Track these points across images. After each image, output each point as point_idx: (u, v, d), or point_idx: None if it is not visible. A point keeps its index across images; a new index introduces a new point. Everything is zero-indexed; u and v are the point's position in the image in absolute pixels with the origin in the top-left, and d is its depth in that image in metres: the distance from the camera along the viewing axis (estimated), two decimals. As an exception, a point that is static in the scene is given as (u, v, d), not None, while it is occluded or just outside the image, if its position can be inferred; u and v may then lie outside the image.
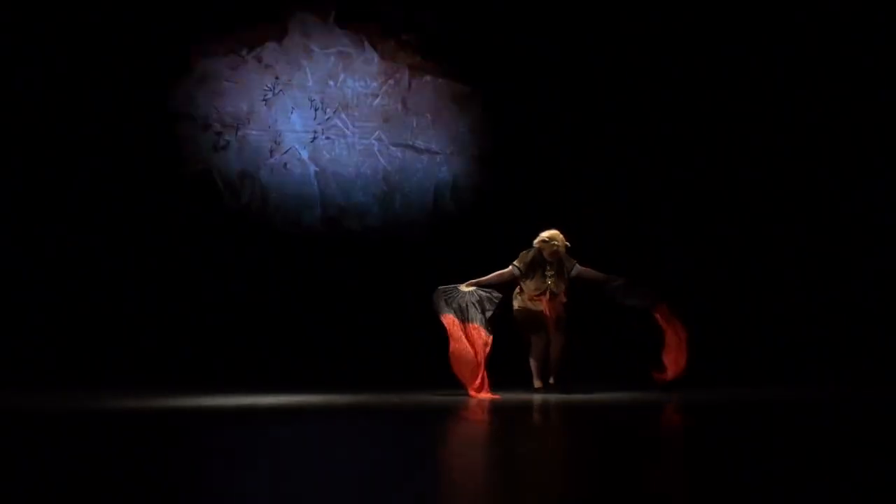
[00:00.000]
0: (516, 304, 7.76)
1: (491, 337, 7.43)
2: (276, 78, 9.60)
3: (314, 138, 9.63)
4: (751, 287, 9.47)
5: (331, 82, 9.68)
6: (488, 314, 7.54)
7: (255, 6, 9.55)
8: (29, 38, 9.07)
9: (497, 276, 7.69)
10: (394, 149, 9.72)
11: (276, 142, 9.57)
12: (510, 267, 7.69)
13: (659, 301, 7.66)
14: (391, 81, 9.74)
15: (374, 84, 9.73)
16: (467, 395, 7.27)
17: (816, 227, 9.41)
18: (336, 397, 7.16)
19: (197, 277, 9.26)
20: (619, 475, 3.75)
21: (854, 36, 9.36)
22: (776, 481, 3.46)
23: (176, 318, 9.09)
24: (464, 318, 7.46)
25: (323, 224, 9.60)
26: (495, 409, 6.68)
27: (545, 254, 7.62)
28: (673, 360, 7.62)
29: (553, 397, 7.25)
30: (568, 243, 7.65)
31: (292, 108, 9.62)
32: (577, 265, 7.72)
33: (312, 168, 9.60)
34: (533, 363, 7.73)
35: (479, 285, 7.63)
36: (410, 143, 9.74)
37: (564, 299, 7.75)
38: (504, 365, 7.72)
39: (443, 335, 7.46)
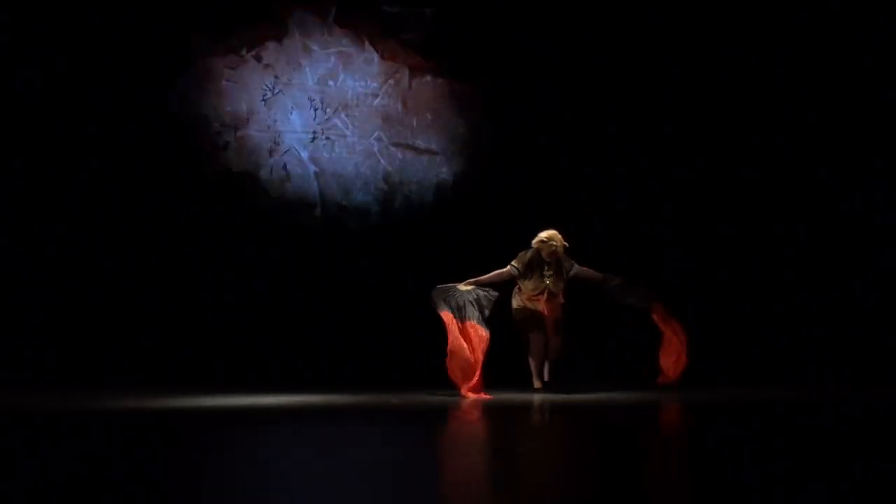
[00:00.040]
0: (515, 304, 7.79)
1: (489, 334, 7.42)
2: (276, 78, 9.59)
3: (314, 138, 9.62)
4: (751, 287, 9.46)
5: (330, 82, 9.67)
6: (486, 312, 7.55)
7: (254, 6, 9.53)
8: (29, 39, 9.07)
9: (495, 275, 7.71)
10: (394, 149, 9.71)
11: (275, 142, 9.56)
12: (508, 267, 7.71)
13: (655, 301, 7.67)
14: (391, 81, 9.73)
15: (374, 84, 9.72)
16: (460, 395, 7.27)
17: (816, 227, 9.40)
18: (336, 397, 7.16)
19: (197, 277, 9.25)
20: (619, 475, 3.75)
21: (854, 36, 9.35)
22: (776, 481, 3.46)
23: (176, 318, 9.08)
24: (461, 317, 7.47)
25: (323, 224, 9.59)
26: (495, 409, 6.68)
27: (543, 254, 7.64)
28: (673, 361, 7.62)
29: (552, 397, 7.25)
30: (566, 243, 7.67)
31: (292, 108, 9.61)
32: (576, 265, 7.75)
33: (312, 168, 9.60)
34: (532, 363, 7.74)
35: (477, 284, 7.65)
36: (410, 143, 9.73)
37: (562, 300, 7.78)
38: (503, 365, 7.73)
39: (442, 333, 7.46)
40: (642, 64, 9.59)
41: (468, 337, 7.40)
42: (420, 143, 9.73)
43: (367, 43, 9.70)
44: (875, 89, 9.35)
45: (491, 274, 7.72)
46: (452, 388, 7.35)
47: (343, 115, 9.66)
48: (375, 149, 9.68)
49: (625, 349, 8.45)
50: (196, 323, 9.09)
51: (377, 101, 9.71)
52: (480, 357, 7.35)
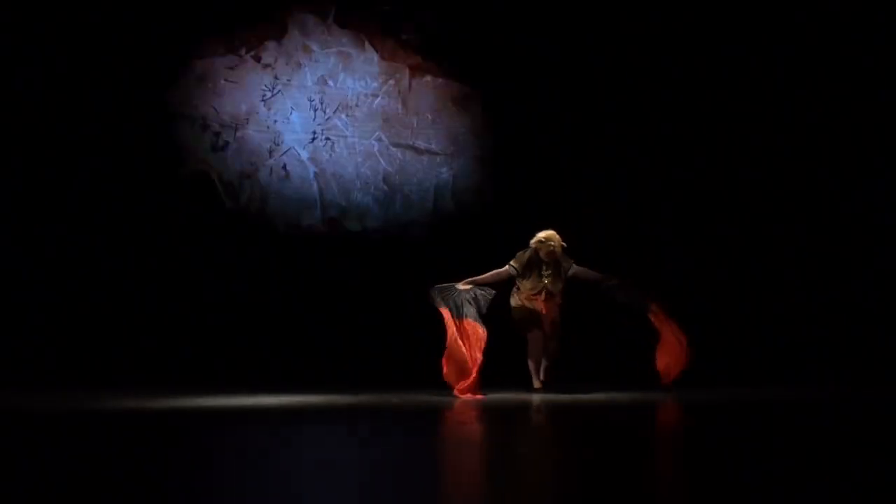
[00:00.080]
0: (513, 303, 7.83)
1: (486, 332, 7.45)
2: (276, 78, 9.59)
3: (314, 139, 9.62)
4: (751, 287, 9.46)
5: (330, 82, 9.67)
6: (483, 310, 7.58)
7: (254, 5, 9.54)
8: (29, 39, 9.07)
9: (494, 275, 7.75)
10: (394, 149, 9.71)
11: (275, 142, 9.56)
12: (507, 266, 7.75)
13: (653, 301, 7.68)
14: (391, 81, 9.73)
15: (374, 84, 9.72)
16: (454, 394, 7.30)
17: (816, 227, 9.41)
18: (336, 397, 7.16)
19: (197, 277, 9.25)
20: (618, 475, 3.75)
21: (854, 36, 9.35)
22: (776, 481, 3.46)
23: (176, 318, 9.08)
24: (459, 315, 7.50)
25: (323, 225, 9.58)
26: (495, 409, 6.69)
27: (542, 254, 7.68)
28: (669, 362, 7.62)
29: (552, 397, 7.25)
30: (564, 244, 7.69)
31: (292, 108, 9.61)
32: (574, 265, 7.79)
33: (312, 169, 9.59)
34: (531, 363, 7.76)
35: (475, 284, 7.69)
36: (410, 143, 9.73)
37: (560, 300, 7.80)
38: (502, 365, 7.76)
39: (442, 332, 7.50)
40: (642, 64, 9.59)
41: (465, 335, 7.44)
42: (420, 143, 9.73)
43: (366, 43, 9.70)
44: (875, 89, 9.35)
45: (489, 273, 7.75)
46: (448, 387, 7.37)
47: (343, 116, 9.66)
48: (375, 149, 9.68)
49: (623, 349, 8.45)
50: (196, 323, 9.09)
51: (377, 101, 9.71)
52: (479, 356, 7.37)
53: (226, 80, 9.52)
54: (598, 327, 8.67)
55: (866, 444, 4.51)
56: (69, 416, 6.05)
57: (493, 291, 7.71)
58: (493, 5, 9.63)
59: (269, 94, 9.56)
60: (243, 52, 9.54)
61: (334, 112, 9.65)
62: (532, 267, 7.72)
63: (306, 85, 9.63)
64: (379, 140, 9.68)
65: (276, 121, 9.57)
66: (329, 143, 9.62)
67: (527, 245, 7.76)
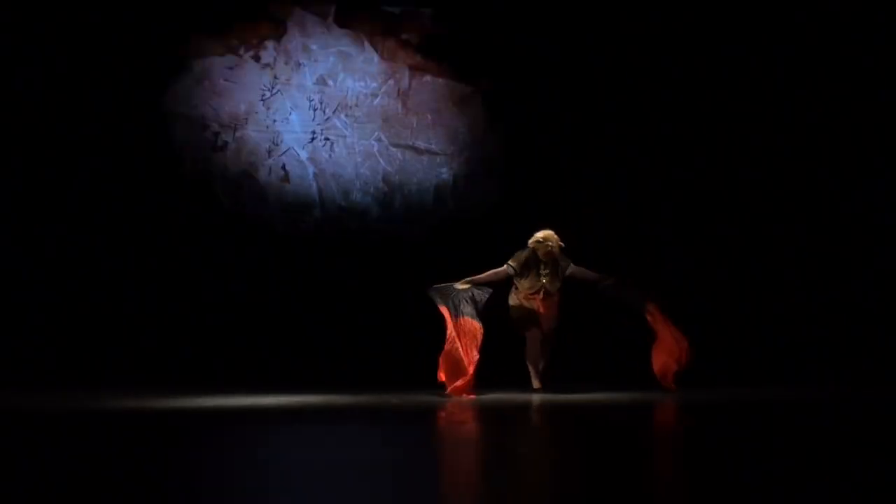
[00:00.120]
0: (511, 302, 7.87)
1: (483, 327, 7.51)
2: (275, 77, 9.58)
3: (313, 139, 9.61)
4: (751, 287, 9.46)
5: (330, 82, 9.66)
6: (481, 308, 7.63)
7: (253, 5, 9.53)
8: (28, 39, 9.07)
9: (492, 274, 7.79)
10: (394, 149, 9.70)
11: (274, 142, 9.55)
12: (505, 266, 7.79)
13: (649, 301, 7.69)
14: (391, 81, 9.72)
15: (374, 84, 9.71)
16: (446, 392, 7.34)
17: (816, 227, 9.40)
18: (336, 397, 7.16)
19: (196, 277, 9.25)
20: (618, 475, 3.75)
21: (854, 36, 9.35)
22: (776, 481, 3.46)
23: (176, 318, 9.08)
24: (456, 314, 7.56)
25: (322, 225, 9.57)
26: (494, 409, 6.69)
27: (539, 254, 7.72)
28: (670, 362, 7.61)
29: (551, 397, 7.26)
30: (562, 243, 7.72)
31: (291, 108, 9.60)
32: (572, 265, 7.83)
33: (311, 169, 9.58)
34: (530, 363, 7.79)
35: (473, 283, 7.74)
36: (410, 143, 9.72)
37: (558, 299, 7.82)
38: (500, 365, 7.80)
39: (441, 332, 7.54)
40: (642, 64, 9.59)
41: (463, 333, 7.49)
42: (420, 143, 9.72)
43: (366, 43, 9.69)
44: (875, 89, 9.35)
45: (488, 273, 7.79)
46: (443, 386, 7.42)
47: (342, 116, 9.65)
48: (375, 149, 9.67)
49: (622, 349, 8.45)
50: (196, 323, 9.09)
51: (377, 101, 9.70)
52: (475, 355, 7.41)
53: (225, 79, 9.50)
54: (596, 327, 8.67)
55: (866, 444, 4.51)
56: (69, 416, 6.05)
57: (490, 290, 7.75)
58: (493, 5, 9.63)
59: (268, 94, 9.56)
60: (242, 51, 9.53)
61: (334, 112, 9.64)
62: (530, 266, 7.76)
63: (306, 85, 9.62)
64: (378, 140, 9.68)
65: (275, 121, 9.56)
66: (328, 143, 9.62)
67: (526, 245, 7.78)
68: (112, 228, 9.14)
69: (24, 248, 9.00)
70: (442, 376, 7.45)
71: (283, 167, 9.54)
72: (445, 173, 9.72)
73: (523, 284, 7.78)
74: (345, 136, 9.64)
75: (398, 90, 9.72)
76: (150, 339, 9.00)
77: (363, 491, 3.38)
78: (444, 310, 7.57)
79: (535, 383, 7.75)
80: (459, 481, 3.71)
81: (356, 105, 9.68)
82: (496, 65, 9.59)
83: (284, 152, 9.54)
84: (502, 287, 7.88)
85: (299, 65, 9.61)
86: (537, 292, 7.75)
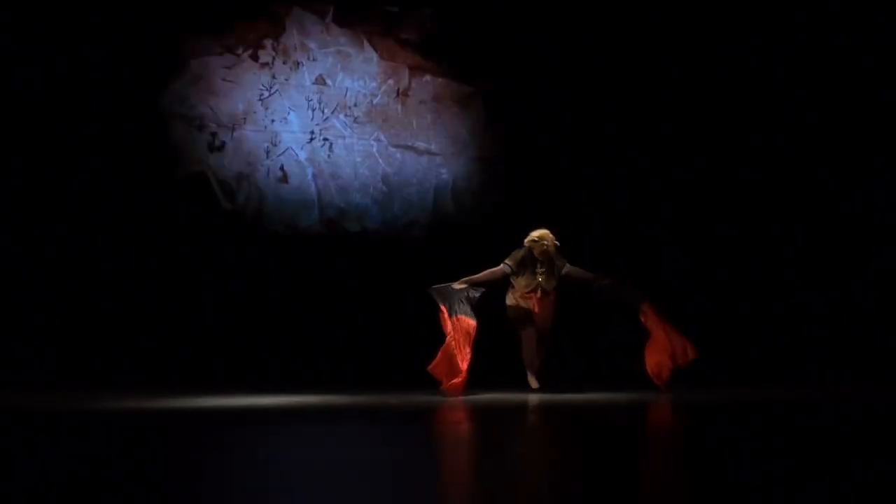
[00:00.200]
0: (508, 302, 7.94)
1: (476, 323, 7.62)
2: (273, 77, 9.56)
3: (312, 139, 9.60)
4: (751, 287, 9.46)
5: (329, 82, 9.65)
6: (474, 304, 7.74)
7: (251, 4, 9.52)
8: (27, 39, 9.06)
9: (489, 273, 7.87)
10: (393, 150, 9.69)
11: (272, 143, 9.53)
12: (502, 265, 7.87)
13: (644, 301, 7.71)
14: (390, 81, 9.71)
15: (374, 84, 9.70)
16: (439, 389, 7.43)
17: (816, 227, 9.41)
18: (335, 397, 7.16)
19: (195, 278, 9.25)
20: (618, 475, 3.75)
21: (854, 36, 9.35)
22: (776, 481, 3.46)
23: (176, 318, 9.08)
24: (451, 313, 7.66)
25: (321, 226, 9.56)
26: (493, 408, 6.69)
27: (535, 252, 7.80)
28: (664, 361, 7.61)
29: (549, 397, 7.26)
30: (558, 242, 7.78)
31: (290, 108, 9.58)
32: (568, 264, 7.90)
33: (310, 169, 9.57)
34: (527, 363, 7.83)
35: (471, 283, 7.82)
36: (410, 143, 9.71)
37: (554, 298, 7.86)
38: (497, 365, 7.86)
39: (440, 332, 7.60)
40: (642, 64, 9.59)
41: (458, 330, 7.59)
42: (420, 143, 9.71)
43: (366, 42, 9.69)
44: (875, 89, 9.35)
45: (485, 272, 7.87)
46: (435, 379, 7.50)
47: (341, 116, 9.64)
48: (374, 150, 9.66)
49: (620, 349, 8.44)
50: (195, 323, 9.09)
51: (376, 101, 9.69)
52: (468, 352, 7.50)
53: (223, 79, 9.48)
54: (592, 327, 8.68)
55: (866, 444, 4.51)
56: (69, 416, 6.05)
57: (483, 289, 7.83)
58: (493, 5, 9.63)
59: (266, 94, 9.54)
60: (240, 51, 9.51)
61: (333, 112, 9.63)
62: (526, 265, 7.84)
63: (304, 85, 9.61)
64: (378, 140, 9.67)
65: (273, 121, 9.54)
66: (327, 143, 9.60)
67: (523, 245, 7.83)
68: (111, 228, 9.14)
69: (24, 248, 9.00)
70: (434, 369, 7.51)
71: (282, 168, 9.52)
72: (445, 174, 9.72)
73: (520, 283, 7.85)
74: (344, 137, 9.63)
75: (398, 90, 9.71)
76: (150, 339, 9.00)
77: (363, 491, 3.38)
78: (444, 309, 7.63)
79: (533, 383, 7.77)
80: (458, 481, 3.71)
81: (355, 105, 9.67)
82: (496, 65, 9.60)
83: (283, 153, 9.53)
84: (498, 286, 7.92)
85: (298, 64, 9.60)
86: (534, 291, 7.83)
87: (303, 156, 9.56)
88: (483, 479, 3.70)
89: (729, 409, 6.52)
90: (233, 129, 9.47)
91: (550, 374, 7.88)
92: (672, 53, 9.54)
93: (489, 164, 9.70)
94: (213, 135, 9.45)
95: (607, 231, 9.36)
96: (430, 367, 7.51)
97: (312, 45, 9.63)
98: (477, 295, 7.79)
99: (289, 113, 9.57)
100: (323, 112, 9.61)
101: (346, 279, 9.40)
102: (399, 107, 9.71)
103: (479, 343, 7.67)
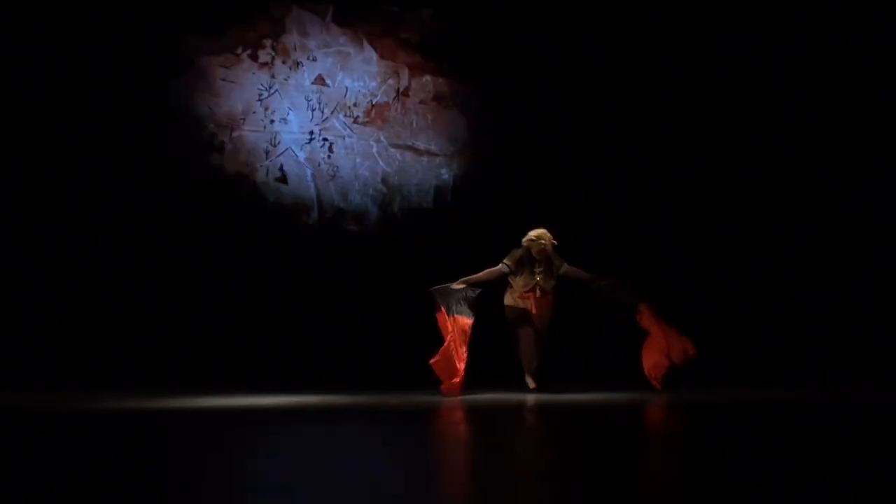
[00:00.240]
0: (507, 302, 7.99)
1: (471, 321, 7.67)
2: (273, 77, 9.56)
3: (311, 139, 9.59)
4: (751, 287, 9.46)
5: (328, 82, 9.65)
6: (472, 303, 7.77)
7: (251, 3, 9.51)
8: (26, 38, 9.06)
9: (487, 273, 7.91)
10: (393, 150, 9.68)
11: (272, 143, 9.53)
12: (500, 265, 7.91)
13: (642, 302, 7.72)
14: (390, 81, 9.71)
15: (373, 84, 9.70)
16: (439, 389, 7.47)
17: (816, 227, 9.40)
18: (335, 397, 7.17)
19: (195, 278, 9.25)
20: (617, 476, 3.75)
21: (854, 36, 9.35)
22: (776, 481, 3.46)
23: (175, 318, 9.08)
24: (450, 313, 7.69)
25: (321, 226, 9.55)
26: (492, 408, 6.69)
27: (533, 252, 7.85)
28: (660, 361, 7.61)
29: (547, 397, 7.27)
30: (555, 242, 7.81)
31: (289, 108, 9.58)
32: (566, 264, 7.93)
33: (309, 170, 9.56)
34: (524, 362, 7.85)
35: (470, 283, 7.84)
36: (410, 143, 9.71)
37: (552, 298, 7.88)
38: (495, 365, 7.89)
39: (437, 334, 7.63)
40: (642, 64, 9.59)
41: (455, 330, 7.62)
42: (420, 144, 9.71)
43: (365, 42, 9.68)
44: (875, 89, 9.35)
45: (483, 272, 7.91)
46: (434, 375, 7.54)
47: (341, 116, 9.64)
48: (374, 150, 9.66)
49: (615, 348, 8.44)
50: (195, 323, 9.09)
51: (376, 101, 9.69)
52: (464, 351, 7.54)
53: (222, 79, 9.48)
54: (590, 327, 8.68)
55: (866, 444, 4.51)
56: (69, 416, 6.05)
57: (479, 290, 7.85)
58: (493, 5, 9.63)
59: (266, 94, 9.54)
60: (240, 50, 9.51)
61: (332, 112, 9.63)
62: (524, 264, 7.89)
63: (304, 84, 9.61)
64: (378, 141, 9.66)
65: (273, 121, 9.54)
66: (327, 143, 9.60)
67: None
68: (111, 228, 9.15)
69: (24, 248, 9.00)
70: (436, 365, 7.54)
71: (281, 168, 9.52)
72: (445, 174, 9.72)
73: (518, 283, 7.89)
74: (343, 137, 9.62)
75: (397, 90, 9.71)
76: (150, 339, 9.00)
77: (363, 491, 3.38)
78: (443, 309, 7.66)
79: (531, 383, 7.80)
80: (457, 481, 3.71)
81: (355, 105, 9.66)
82: (496, 65, 9.59)
83: (282, 153, 9.52)
84: (495, 286, 7.94)
85: (297, 64, 9.59)
86: (532, 290, 7.87)
87: (302, 156, 9.55)
88: (482, 480, 3.69)
89: (729, 409, 6.52)
90: (232, 130, 9.46)
91: (548, 374, 7.88)
92: (672, 53, 9.54)
93: (489, 164, 9.69)
94: (213, 135, 9.44)
95: (607, 231, 9.36)
96: (432, 361, 7.53)
97: (312, 44, 9.63)
98: (475, 294, 7.82)
99: (288, 113, 9.56)
100: (322, 112, 9.60)
101: (345, 279, 9.39)
102: (399, 107, 9.71)
103: (478, 343, 7.70)
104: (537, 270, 7.85)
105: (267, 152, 9.51)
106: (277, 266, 9.43)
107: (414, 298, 8.05)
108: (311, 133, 9.58)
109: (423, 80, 9.73)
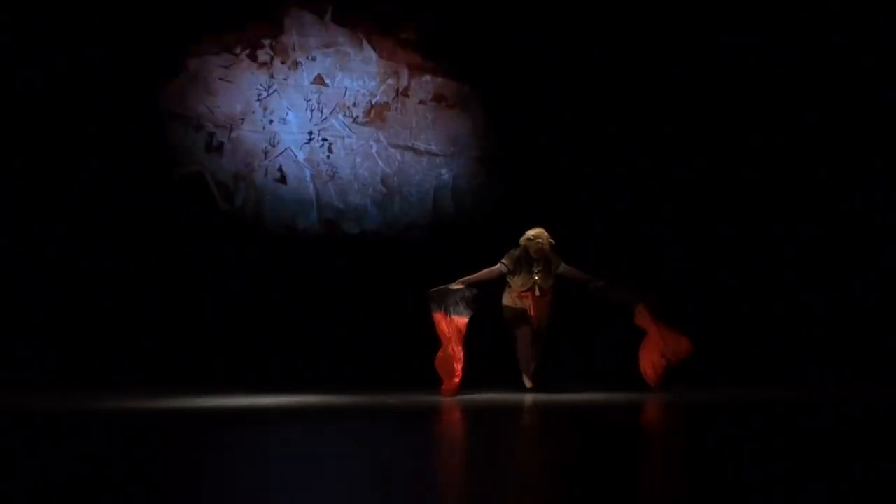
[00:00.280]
0: (505, 302, 8.00)
1: (467, 319, 7.69)
2: (272, 77, 9.54)
3: (310, 139, 9.58)
4: (751, 287, 9.46)
5: (328, 82, 9.64)
6: (470, 303, 7.78)
7: (250, 3, 9.50)
8: (23, 38, 9.06)
9: (486, 273, 7.92)
10: (392, 150, 9.67)
11: (271, 143, 9.51)
12: (498, 264, 7.92)
13: (640, 303, 7.72)
14: (390, 81, 9.70)
15: (373, 84, 9.69)
16: (439, 390, 7.50)
17: (816, 227, 9.40)
18: (334, 397, 7.17)
19: (195, 278, 9.24)
20: (617, 476, 3.75)
21: (854, 36, 9.35)
22: (776, 481, 3.46)
23: (175, 318, 9.08)
24: (447, 314, 7.71)
25: (320, 227, 9.53)
26: (491, 408, 6.69)
27: (531, 251, 7.86)
28: (657, 361, 7.61)
29: (546, 397, 7.27)
30: (553, 241, 7.80)
31: (288, 108, 9.57)
32: (563, 264, 7.95)
33: (308, 170, 9.55)
34: (521, 362, 7.86)
35: (468, 283, 7.85)
36: (410, 144, 9.70)
37: (550, 297, 7.89)
38: (493, 365, 7.90)
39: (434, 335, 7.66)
40: (642, 64, 9.58)
41: (452, 330, 7.64)
42: (419, 144, 9.70)
43: (365, 42, 9.67)
44: (875, 89, 9.35)
45: (482, 272, 7.91)
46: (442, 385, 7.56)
47: (340, 116, 9.63)
48: (373, 150, 9.65)
49: (614, 348, 8.45)
50: (195, 323, 9.09)
51: (375, 101, 9.68)
52: (460, 351, 7.55)
53: (221, 79, 9.46)
54: (589, 326, 8.68)
55: (866, 444, 4.51)
56: (69, 416, 6.05)
57: (476, 290, 7.84)
58: (493, 5, 9.62)
59: (264, 94, 9.53)
60: (238, 50, 9.50)
61: (331, 112, 9.61)
62: (522, 264, 7.90)
63: (303, 84, 9.60)
64: (377, 141, 9.65)
65: (271, 121, 9.52)
66: (326, 143, 9.58)
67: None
68: (111, 228, 9.14)
69: (24, 248, 9.00)
70: (439, 369, 7.61)
71: (280, 168, 9.50)
72: (445, 174, 9.71)
73: (516, 282, 7.90)
74: (343, 137, 9.61)
75: (397, 90, 9.70)
76: (150, 339, 8.99)
77: (363, 491, 3.38)
78: (437, 315, 7.69)
79: (527, 383, 7.82)
80: (456, 481, 3.71)
81: (354, 105, 9.65)
82: (496, 65, 9.59)
83: (281, 153, 9.51)
84: (492, 286, 7.94)
85: (297, 64, 9.58)
86: (530, 290, 7.88)
87: (301, 156, 9.54)
88: (482, 480, 3.69)
89: (729, 409, 6.52)
90: (231, 130, 9.45)
91: (547, 374, 7.88)
92: (672, 53, 9.53)
93: (489, 164, 9.69)
94: (211, 135, 9.43)
95: (607, 231, 9.35)
96: (436, 363, 7.56)
97: (311, 44, 9.61)
98: (474, 293, 7.82)
99: (287, 113, 9.55)
100: (322, 112, 9.59)
101: (345, 280, 9.39)
102: (398, 107, 9.69)
103: (476, 344, 7.71)
104: (535, 270, 7.87)
105: (266, 152, 9.50)
106: (277, 266, 9.42)
107: (413, 299, 8.05)
108: (311, 133, 9.57)
109: (423, 80, 9.72)
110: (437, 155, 9.70)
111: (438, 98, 9.72)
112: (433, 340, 7.68)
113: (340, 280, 9.38)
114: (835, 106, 9.37)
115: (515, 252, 7.89)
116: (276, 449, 4.61)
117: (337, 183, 9.57)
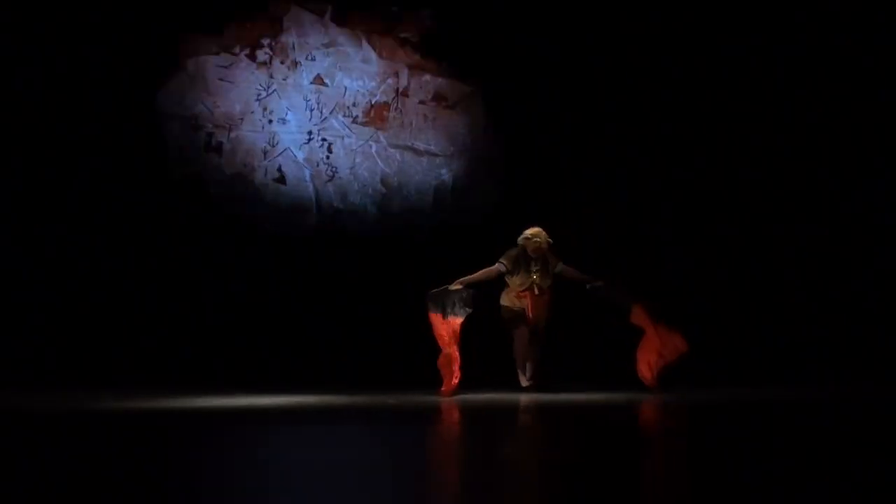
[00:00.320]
0: (503, 301, 8.03)
1: (462, 319, 7.70)
2: (271, 77, 9.53)
3: (310, 139, 9.57)
4: (751, 287, 9.46)
5: (327, 82, 9.63)
6: (468, 303, 7.80)
7: (249, 3, 9.50)
8: (24, 38, 9.06)
9: (485, 272, 7.95)
10: (392, 150, 9.67)
11: (270, 143, 9.51)
12: (497, 264, 7.96)
13: (637, 303, 7.73)
14: (389, 81, 9.69)
15: (373, 83, 9.68)
16: (439, 391, 7.50)
17: (816, 227, 9.40)
18: (334, 397, 7.17)
19: (194, 278, 9.24)
20: (617, 475, 3.75)
21: (854, 36, 9.35)
22: (776, 481, 3.46)
23: (175, 318, 9.08)
24: (445, 315, 7.73)
25: (319, 227, 9.53)
26: (489, 408, 6.69)
27: (529, 250, 7.90)
28: (654, 361, 7.62)
29: (544, 397, 7.28)
30: (551, 240, 7.82)
31: (287, 108, 9.56)
32: (561, 263, 7.98)
33: (308, 170, 9.55)
34: (518, 361, 7.88)
35: (467, 283, 7.87)
36: (409, 144, 9.69)
37: (549, 297, 7.90)
38: (491, 365, 7.92)
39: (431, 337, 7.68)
40: (642, 64, 9.59)
41: (449, 332, 7.67)
42: (419, 144, 9.70)
43: (364, 42, 9.67)
44: (875, 89, 9.35)
45: (480, 272, 7.94)
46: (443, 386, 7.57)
47: (340, 116, 9.62)
48: (373, 150, 9.64)
49: (612, 348, 8.44)
50: (195, 323, 9.09)
51: (375, 101, 9.67)
52: (456, 352, 7.59)
53: (220, 79, 9.46)
54: (587, 326, 8.68)
55: (866, 444, 4.51)
56: (69, 416, 6.05)
57: (472, 290, 7.86)
58: (493, 5, 9.62)
59: (264, 94, 9.52)
60: (238, 50, 9.49)
61: (331, 112, 9.61)
62: (520, 263, 7.93)
63: (302, 84, 9.60)
64: (377, 141, 9.65)
65: (271, 121, 9.52)
66: (325, 143, 9.58)
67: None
68: (110, 228, 9.14)
69: (24, 248, 9.00)
70: (441, 366, 7.62)
71: (279, 168, 9.50)
72: (445, 174, 9.70)
73: (514, 282, 7.93)
74: (342, 137, 9.60)
75: (397, 90, 9.69)
76: (150, 339, 8.99)
77: (363, 491, 3.38)
78: (434, 317, 7.70)
79: (523, 382, 7.83)
80: (455, 481, 3.71)
81: (354, 105, 9.64)
82: (496, 65, 9.58)
83: (281, 153, 9.50)
84: (492, 286, 7.95)
85: (296, 64, 9.57)
86: (529, 289, 7.91)
87: (301, 156, 9.54)
88: (481, 479, 3.69)
89: (729, 409, 6.52)
90: (230, 130, 9.45)
91: (545, 374, 7.89)
92: (672, 53, 9.53)
93: (489, 164, 9.68)
94: (210, 135, 9.42)
95: (607, 231, 9.35)
96: (439, 363, 7.59)
97: (311, 44, 9.60)
98: (472, 293, 7.83)
99: (287, 113, 9.54)
100: (321, 112, 9.59)
101: (345, 280, 9.39)
102: (398, 107, 9.69)
103: (475, 344, 7.72)
104: (533, 269, 7.89)
105: (265, 152, 9.49)
106: (276, 266, 9.42)
107: (413, 299, 8.05)
108: (310, 133, 9.56)
109: (423, 79, 9.71)
110: (436, 155, 9.69)
111: (438, 98, 9.72)
112: (433, 341, 7.69)
113: (340, 280, 9.37)
114: (835, 106, 9.37)
115: (513, 251, 7.92)
116: (276, 449, 4.61)
117: (336, 183, 9.57)
